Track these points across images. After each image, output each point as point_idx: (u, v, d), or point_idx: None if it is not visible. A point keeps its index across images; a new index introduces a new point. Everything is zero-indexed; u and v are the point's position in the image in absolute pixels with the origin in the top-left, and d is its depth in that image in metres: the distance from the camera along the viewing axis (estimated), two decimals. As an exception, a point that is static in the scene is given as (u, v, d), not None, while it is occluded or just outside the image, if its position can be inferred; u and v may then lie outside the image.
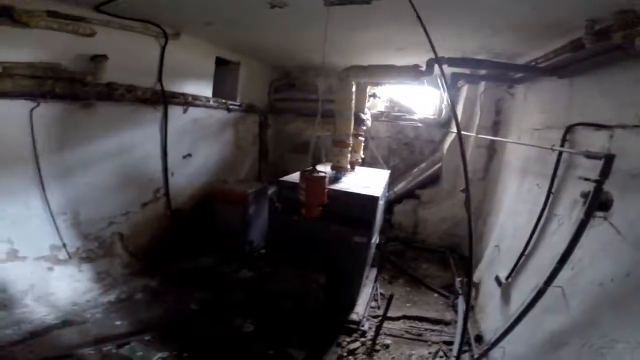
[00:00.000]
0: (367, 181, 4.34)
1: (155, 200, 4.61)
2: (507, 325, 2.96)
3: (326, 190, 3.30)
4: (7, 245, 3.08)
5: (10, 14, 2.84)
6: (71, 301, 3.62)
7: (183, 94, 4.79)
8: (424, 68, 3.64)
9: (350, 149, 4.35)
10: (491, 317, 3.80)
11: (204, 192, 5.50)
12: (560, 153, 3.04)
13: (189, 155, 5.15)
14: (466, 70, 3.83)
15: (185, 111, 4.91)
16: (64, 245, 3.49)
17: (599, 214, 2.28)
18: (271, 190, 5.75)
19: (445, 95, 6.26)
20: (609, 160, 2.16)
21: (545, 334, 2.54)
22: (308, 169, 3.32)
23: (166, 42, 4.32)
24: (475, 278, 4.78)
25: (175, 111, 4.69)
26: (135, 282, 4.26)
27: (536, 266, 3.11)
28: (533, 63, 3.60)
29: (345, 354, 3.62)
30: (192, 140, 5.20)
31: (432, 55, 3.37)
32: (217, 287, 4.45)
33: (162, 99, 4.41)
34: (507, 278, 3.57)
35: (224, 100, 5.80)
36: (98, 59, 3.57)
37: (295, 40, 4.75)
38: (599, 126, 2.62)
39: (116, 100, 3.82)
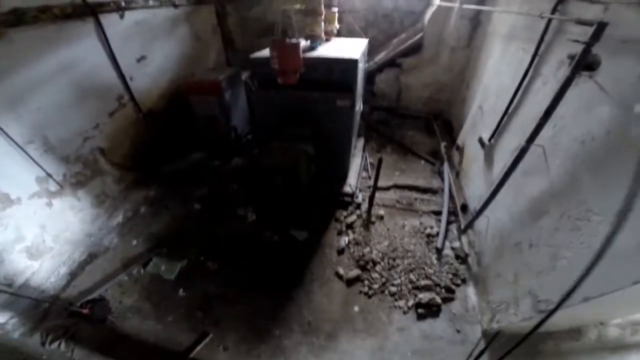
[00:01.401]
0: (344, 48, 4.08)
1: (122, 106, 4.30)
2: (489, 192, 3.17)
3: (300, 56, 3.20)
4: None
5: None
6: (85, 233, 3.77)
7: (113, 1, 3.95)
8: None
9: (323, 17, 3.93)
10: (475, 182, 4.00)
11: (173, 90, 5.15)
12: (549, 20, 2.78)
13: (143, 58, 4.58)
14: None
15: (122, 17, 4.14)
16: (49, 175, 3.36)
17: (585, 73, 2.22)
18: (245, 76, 5.49)
19: None
20: (601, 26, 2.04)
21: (526, 201, 2.68)
22: (276, 38, 3.18)
23: None
24: (459, 141, 4.96)
25: (110, 19, 3.96)
26: (135, 196, 4.36)
27: (519, 125, 3.15)
28: None
29: (344, 229, 3.93)
30: (143, 43, 4.55)
31: None
32: (213, 181, 4.57)
33: (87, 11, 3.63)
34: (490, 139, 3.63)
35: None
36: None
37: None
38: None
39: (31, 24, 3.12)
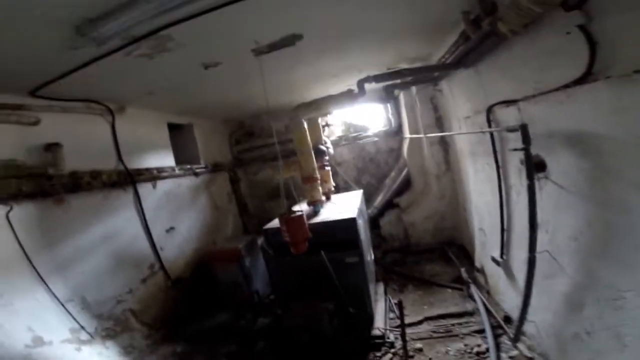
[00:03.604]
0: (342, 206, 4.56)
1: (153, 274, 4.60)
2: (521, 302, 3.10)
3: (306, 226, 3.53)
4: (30, 333, 3.02)
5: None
6: None
7: (147, 169, 4.81)
8: (356, 90, 3.96)
9: (319, 181, 4.53)
10: (507, 296, 3.90)
11: (197, 258, 5.52)
12: (491, 133, 3.37)
13: (172, 228, 5.18)
14: (397, 80, 4.25)
15: (154, 186, 4.95)
16: (82, 327, 3.44)
17: (540, 174, 2.53)
18: (260, 240, 5.79)
19: (388, 106, 6.78)
20: (524, 129, 2.47)
21: (561, 298, 2.66)
22: (283, 212, 3.58)
23: (113, 118, 4.29)
24: (477, 264, 4.95)
25: (145, 188, 4.72)
26: (162, 350, 4.24)
27: (517, 237, 3.30)
28: (443, 60, 3.95)
29: None
30: (170, 213, 5.23)
31: (362, 76, 3.79)
32: (240, 340, 4.51)
33: (128, 179, 4.40)
34: (501, 256, 3.73)
35: (188, 166, 5.87)
36: (52, 148, 3.44)
37: (238, 92, 5.00)
38: (508, 102, 2.98)
39: (85, 190, 3.77)
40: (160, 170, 5.08)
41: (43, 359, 3.11)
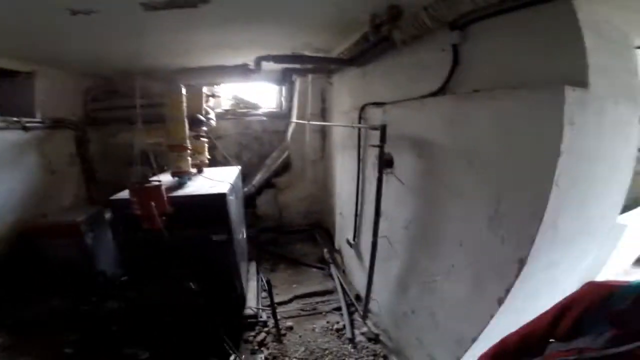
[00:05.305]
0: (214, 181, 4.26)
1: None
2: (365, 282, 3.52)
3: (164, 198, 3.18)
4: None
5: None
6: None
7: None
8: (252, 66, 3.74)
9: (189, 151, 4.15)
10: (357, 276, 4.40)
11: (17, 234, 4.35)
12: (359, 129, 3.73)
13: (-26, 194, 3.91)
14: (297, 65, 4.20)
15: None
16: None
17: (387, 170, 2.93)
18: (109, 215, 4.99)
19: (282, 89, 6.76)
20: (383, 129, 2.81)
21: (394, 280, 3.11)
22: (136, 181, 3.14)
23: None
24: (336, 245, 5.47)
25: None
26: None
27: (367, 223, 3.75)
28: (341, 55, 4.13)
29: (256, 347, 3.79)
30: None
31: (259, 54, 3.57)
32: (86, 326, 3.88)
33: None
34: (353, 239, 4.21)
35: (15, 119, 4.50)
36: None
37: (111, 47, 4.06)
38: (377, 104, 3.35)
39: None
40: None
41: None
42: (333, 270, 5.16)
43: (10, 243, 4.25)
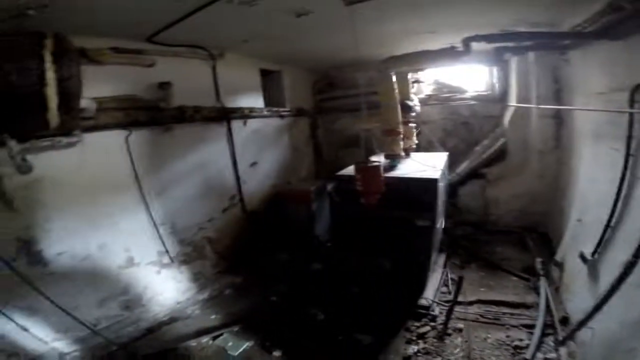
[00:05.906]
0: (423, 165, 4.32)
1: (233, 205, 5.25)
2: (592, 305, 2.81)
3: (382, 178, 3.45)
4: (126, 254, 3.84)
5: (86, 54, 3.31)
6: (175, 300, 4.32)
7: (240, 108, 5.34)
8: (461, 48, 3.55)
9: (401, 136, 4.39)
10: (578, 297, 3.53)
11: (271, 195, 6.05)
12: (631, 114, 2.74)
13: (255, 163, 5.71)
14: (509, 43, 3.66)
15: (245, 124, 5.46)
16: (167, 251, 4.18)
17: None
18: (329, 186, 5.97)
19: (494, 70, 5.96)
20: None
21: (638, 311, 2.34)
22: (361, 160, 3.53)
23: (215, 62, 4.81)
24: (557, 257, 4.44)
25: (236, 125, 5.27)
26: (224, 280, 4.90)
27: (625, 238, 2.80)
28: (579, 28, 3.37)
29: (414, 338, 3.71)
30: (255, 149, 5.76)
31: (465, 35, 3.34)
32: (292, 280, 4.88)
33: (224, 116, 4.99)
34: (593, 254, 3.27)
35: (275, 109, 6.27)
36: (164, 86, 4.05)
37: (327, 42, 4.88)
38: None
39: (188, 121, 4.41)
40: (251, 110, 5.60)
41: (128, 279, 3.83)
42: (542, 283, 4.23)
43: (267, 201, 5.99)
